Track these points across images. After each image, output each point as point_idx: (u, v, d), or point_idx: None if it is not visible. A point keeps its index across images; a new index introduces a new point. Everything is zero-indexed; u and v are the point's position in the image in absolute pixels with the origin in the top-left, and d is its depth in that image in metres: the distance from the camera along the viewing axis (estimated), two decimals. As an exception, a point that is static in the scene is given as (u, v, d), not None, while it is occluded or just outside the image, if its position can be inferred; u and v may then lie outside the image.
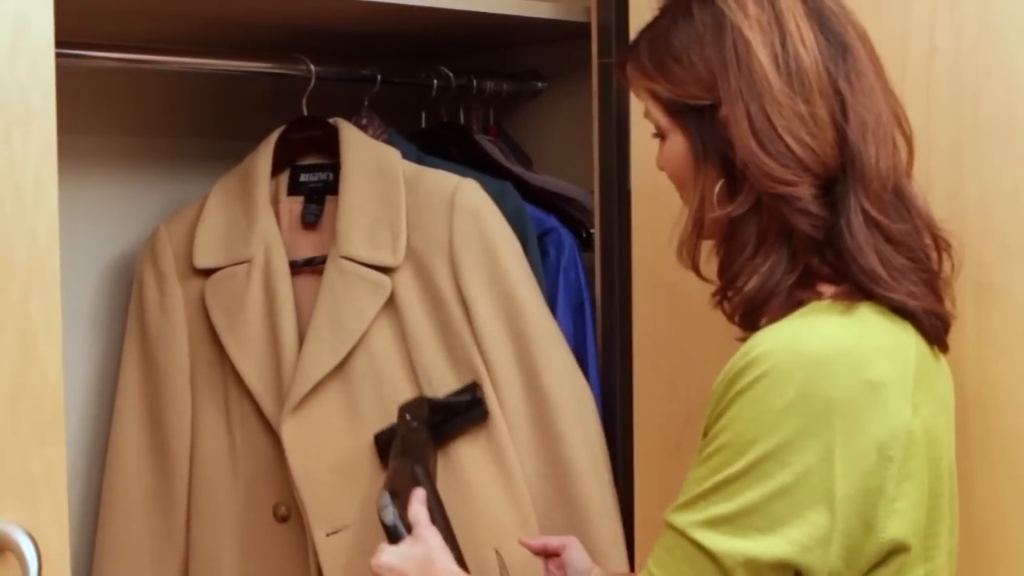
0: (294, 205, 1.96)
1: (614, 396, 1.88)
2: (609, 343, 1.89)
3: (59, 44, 1.23)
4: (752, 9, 1.27)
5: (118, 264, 2.09)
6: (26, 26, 1.19)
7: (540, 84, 2.26)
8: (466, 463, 1.81)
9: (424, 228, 1.85)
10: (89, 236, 2.06)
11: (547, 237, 1.96)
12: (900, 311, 1.25)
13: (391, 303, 1.85)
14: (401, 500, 1.54)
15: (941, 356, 1.32)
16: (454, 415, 1.80)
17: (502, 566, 1.77)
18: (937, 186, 1.44)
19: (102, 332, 2.08)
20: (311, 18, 1.96)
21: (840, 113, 1.26)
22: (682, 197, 1.36)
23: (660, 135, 1.36)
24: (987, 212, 1.43)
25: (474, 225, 1.84)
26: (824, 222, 1.25)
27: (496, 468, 1.82)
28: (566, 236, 1.96)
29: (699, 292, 1.37)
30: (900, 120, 1.32)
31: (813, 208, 1.25)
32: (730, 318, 1.32)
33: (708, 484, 1.20)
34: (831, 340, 1.20)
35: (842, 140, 1.25)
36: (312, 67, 1.97)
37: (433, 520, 1.53)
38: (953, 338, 1.33)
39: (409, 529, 1.50)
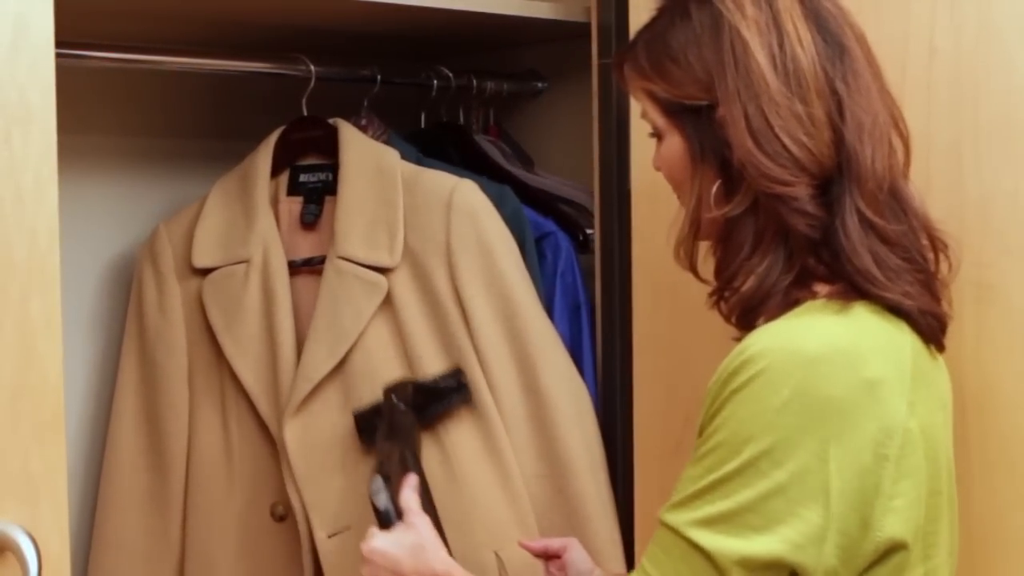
0: (293, 205, 1.96)
1: (614, 396, 1.88)
2: (609, 344, 1.89)
3: (59, 44, 1.23)
4: (750, 10, 1.27)
5: (117, 264, 2.09)
6: (26, 26, 1.19)
7: (540, 84, 2.26)
8: (465, 465, 1.81)
9: (422, 228, 1.85)
10: (89, 236, 2.06)
11: (544, 241, 1.96)
12: (895, 311, 1.25)
13: (388, 302, 1.85)
14: (392, 485, 1.54)
15: (938, 355, 1.32)
16: (437, 399, 1.80)
17: (501, 568, 1.76)
18: (937, 186, 1.44)
19: (101, 332, 2.08)
20: (311, 18, 1.96)
21: (837, 113, 1.26)
22: (679, 198, 1.36)
23: (657, 135, 1.36)
24: (987, 212, 1.43)
25: (471, 226, 1.84)
26: (821, 222, 1.25)
27: (495, 470, 1.82)
28: (563, 240, 1.97)
29: (699, 292, 1.37)
30: (897, 121, 1.32)
31: (810, 208, 1.25)
32: (727, 318, 1.32)
33: (703, 483, 1.20)
34: (826, 339, 1.20)
35: (839, 140, 1.26)
36: (312, 67, 1.97)
37: (423, 507, 1.53)
38: (953, 338, 1.33)
39: (400, 515, 1.50)
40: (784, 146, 1.24)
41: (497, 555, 1.77)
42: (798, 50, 1.26)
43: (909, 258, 1.27)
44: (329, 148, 1.94)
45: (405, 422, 1.73)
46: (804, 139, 1.24)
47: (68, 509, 1.24)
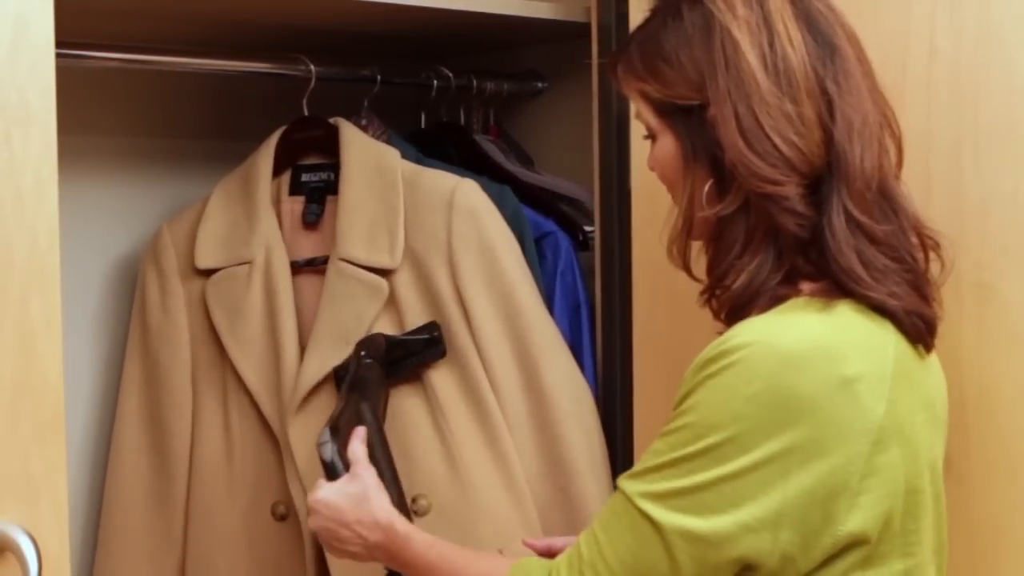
0: (295, 205, 1.96)
1: (614, 396, 1.88)
2: (609, 343, 1.89)
3: (59, 44, 1.23)
4: (741, 10, 1.28)
5: (119, 264, 2.09)
6: (26, 26, 1.19)
7: (540, 84, 2.26)
8: (469, 464, 1.81)
9: (423, 228, 1.85)
10: (90, 236, 2.06)
11: (544, 240, 1.96)
12: (880, 310, 1.26)
13: (391, 302, 1.85)
14: (342, 437, 1.54)
15: (930, 355, 1.32)
16: (411, 353, 1.81)
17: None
18: (937, 187, 1.44)
19: (105, 332, 2.08)
20: (311, 18, 1.97)
21: (827, 113, 1.26)
22: (672, 197, 1.37)
23: (651, 136, 1.36)
24: (987, 213, 1.43)
25: (473, 225, 1.84)
26: (810, 221, 1.26)
27: (499, 469, 1.82)
28: (563, 240, 1.97)
29: (698, 292, 1.37)
30: (889, 121, 1.32)
31: (800, 208, 1.25)
32: (716, 315, 1.33)
33: (664, 459, 1.22)
34: (805, 335, 1.21)
35: (828, 140, 1.26)
36: (312, 67, 1.97)
37: (374, 458, 1.53)
38: (953, 338, 1.33)
39: (348, 466, 1.51)
40: (774, 145, 1.25)
41: (502, 553, 1.77)
42: (788, 50, 1.26)
43: (897, 257, 1.27)
44: (330, 148, 1.94)
45: (369, 375, 1.72)
46: (794, 139, 1.25)
47: (69, 509, 1.23)
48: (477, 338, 1.83)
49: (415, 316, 1.84)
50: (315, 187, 1.95)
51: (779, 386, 1.18)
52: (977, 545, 1.42)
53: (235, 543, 1.90)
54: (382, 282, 1.84)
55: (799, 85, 1.26)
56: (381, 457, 1.57)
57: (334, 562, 1.81)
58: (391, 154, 1.91)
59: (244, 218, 1.92)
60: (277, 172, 1.96)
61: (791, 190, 1.25)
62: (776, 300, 1.26)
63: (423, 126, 2.19)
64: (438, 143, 2.12)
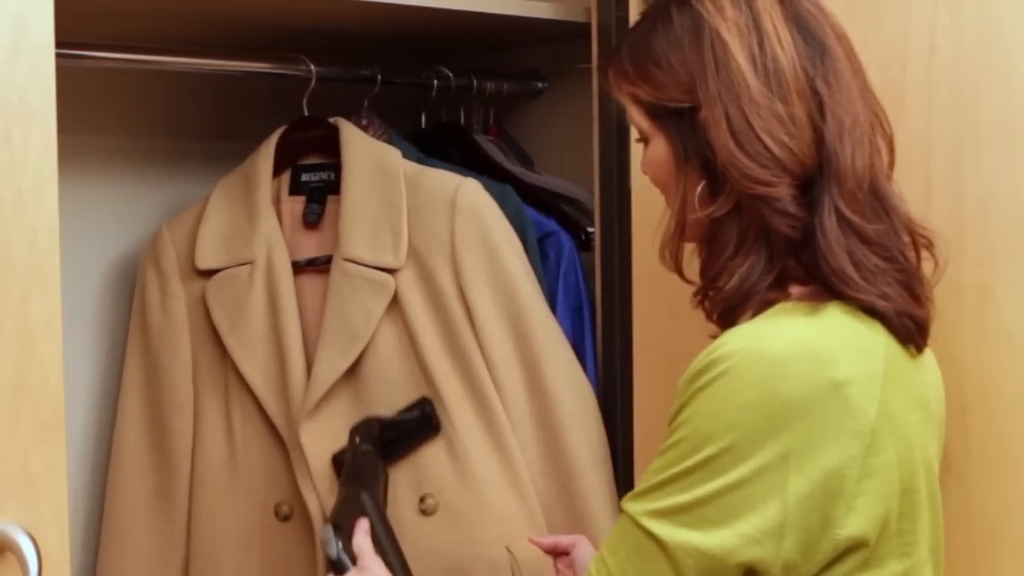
0: (296, 205, 1.96)
1: (614, 396, 1.88)
2: (609, 343, 1.89)
3: (59, 44, 1.23)
4: (730, 11, 1.28)
5: (119, 265, 2.09)
6: (26, 26, 1.19)
7: (540, 84, 2.26)
8: (474, 463, 1.81)
9: (426, 228, 1.85)
10: (90, 236, 2.06)
11: (547, 240, 1.96)
12: (869, 311, 1.25)
13: (395, 303, 1.85)
14: (345, 532, 1.56)
15: (925, 355, 1.32)
16: (405, 433, 1.81)
17: (514, 563, 1.77)
18: (937, 187, 1.44)
19: (105, 332, 2.08)
20: (311, 18, 1.97)
21: (818, 113, 1.26)
22: (665, 200, 1.37)
23: (643, 139, 1.37)
24: (987, 213, 1.42)
25: (476, 225, 1.85)
26: (802, 222, 1.26)
27: (503, 467, 1.82)
28: (565, 239, 1.97)
29: (691, 294, 1.38)
30: (880, 120, 1.32)
31: (791, 209, 1.25)
32: (709, 316, 1.34)
33: (663, 476, 1.22)
34: (793, 340, 1.21)
35: (819, 140, 1.26)
36: (312, 67, 1.97)
37: (380, 547, 1.55)
38: (953, 338, 1.33)
39: (355, 560, 1.52)
40: (765, 146, 1.25)
41: (509, 550, 1.78)
42: (778, 51, 1.26)
43: (889, 257, 1.27)
44: (330, 147, 1.94)
45: (365, 463, 1.73)
46: (785, 139, 1.25)
47: (69, 509, 1.23)
48: (480, 337, 1.83)
49: (418, 315, 1.84)
50: (315, 187, 1.95)
51: (769, 393, 1.18)
52: (976, 545, 1.42)
53: (239, 543, 1.90)
54: (388, 278, 1.84)
55: (789, 86, 1.26)
56: (387, 545, 1.58)
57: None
58: (393, 154, 1.91)
59: (245, 218, 1.92)
60: (277, 172, 1.96)
61: (782, 191, 1.25)
62: (765, 304, 1.27)
63: (423, 126, 2.19)
64: (438, 143, 2.12)
